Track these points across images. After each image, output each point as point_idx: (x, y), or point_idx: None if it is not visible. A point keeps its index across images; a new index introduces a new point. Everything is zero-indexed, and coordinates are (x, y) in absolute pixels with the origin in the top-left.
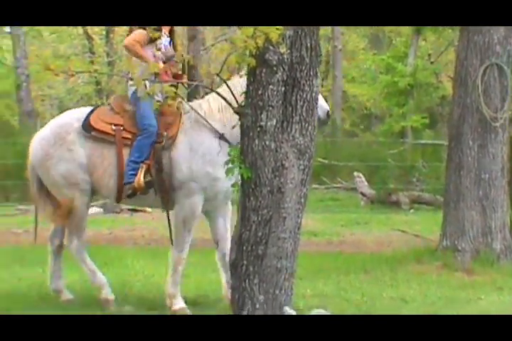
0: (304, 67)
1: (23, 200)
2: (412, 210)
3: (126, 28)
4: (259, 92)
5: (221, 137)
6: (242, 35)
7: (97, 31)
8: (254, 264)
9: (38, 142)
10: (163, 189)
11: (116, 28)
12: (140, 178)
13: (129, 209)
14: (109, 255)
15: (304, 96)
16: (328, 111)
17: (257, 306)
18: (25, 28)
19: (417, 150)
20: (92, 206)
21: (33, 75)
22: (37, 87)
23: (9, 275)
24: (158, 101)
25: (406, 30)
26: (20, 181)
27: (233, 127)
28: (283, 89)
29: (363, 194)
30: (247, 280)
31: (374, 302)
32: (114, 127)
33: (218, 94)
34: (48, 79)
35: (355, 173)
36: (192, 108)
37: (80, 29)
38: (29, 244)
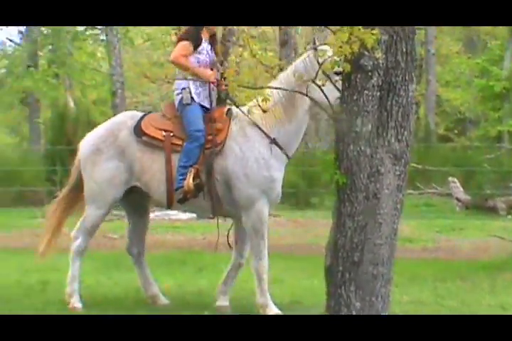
0: (399, 72)
1: (119, 206)
2: (509, 216)
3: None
4: (354, 97)
5: (273, 142)
6: (337, 40)
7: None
8: (350, 271)
9: (90, 138)
10: (213, 194)
11: None
12: (189, 181)
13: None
14: (204, 260)
15: (400, 101)
16: None
17: (354, 313)
18: (119, 36)
19: None
20: (185, 212)
21: (127, 82)
22: (131, 94)
23: (106, 279)
24: (204, 107)
25: (501, 32)
26: None
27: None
28: (378, 94)
29: (458, 199)
30: (343, 287)
31: (471, 309)
32: (164, 133)
33: (312, 99)
34: (143, 86)
35: (450, 178)
36: (245, 114)
37: (172, 37)
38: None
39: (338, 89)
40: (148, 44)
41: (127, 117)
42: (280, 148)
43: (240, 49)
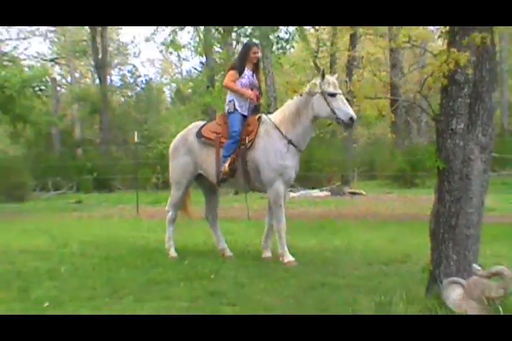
0: (484, 84)
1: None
2: None
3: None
4: (450, 104)
5: (290, 142)
6: (437, 61)
7: (323, 64)
8: (449, 232)
9: (173, 141)
10: (248, 177)
11: (338, 61)
12: (226, 166)
13: (350, 193)
14: (336, 226)
15: (485, 106)
16: (351, 117)
17: (451, 263)
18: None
19: None
20: (322, 191)
21: (278, 97)
22: (280, 105)
23: None
24: (243, 115)
25: None
26: None
27: None
28: (468, 101)
29: None
30: (443, 245)
31: None
32: (215, 135)
33: (419, 106)
34: (290, 98)
35: None
36: (270, 120)
37: (311, 62)
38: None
39: (328, 105)
40: (292, 68)
41: (194, 126)
42: (294, 145)
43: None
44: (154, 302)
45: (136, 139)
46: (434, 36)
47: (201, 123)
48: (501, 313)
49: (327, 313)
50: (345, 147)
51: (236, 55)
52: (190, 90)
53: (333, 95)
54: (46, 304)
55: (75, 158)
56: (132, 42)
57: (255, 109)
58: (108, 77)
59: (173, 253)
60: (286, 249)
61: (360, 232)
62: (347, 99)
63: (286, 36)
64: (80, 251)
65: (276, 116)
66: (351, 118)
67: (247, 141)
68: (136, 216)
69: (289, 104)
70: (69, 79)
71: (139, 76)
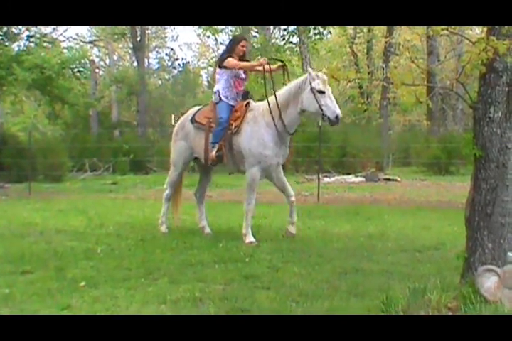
0: None
1: (309, 172)
2: None
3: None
4: (488, 92)
5: (281, 120)
6: (476, 49)
7: (360, 49)
8: (484, 220)
9: (176, 125)
10: (235, 160)
11: (375, 47)
12: (212, 154)
13: (384, 179)
14: (371, 212)
15: None
16: (337, 115)
17: (486, 251)
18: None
19: None
20: (357, 176)
21: None
22: None
23: (301, 225)
24: (230, 104)
25: None
26: (307, 158)
27: None
28: (507, 89)
29: None
30: (478, 232)
31: None
32: (207, 119)
33: (457, 93)
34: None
35: None
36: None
37: (347, 48)
38: (313, 203)
39: (317, 102)
40: (329, 54)
41: (190, 112)
42: (283, 124)
43: (397, 57)
44: (189, 284)
45: (172, 122)
46: None
47: (196, 108)
48: None
49: (361, 298)
50: (381, 133)
51: (273, 40)
52: None
53: (322, 92)
54: (82, 284)
55: (112, 140)
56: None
57: (245, 95)
58: (146, 59)
59: (164, 229)
60: (249, 230)
61: (394, 219)
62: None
63: None
64: (116, 232)
65: (265, 104)
66: (337, 117)
67: (233, 127)
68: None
69: (280, 95)
70: (107, 61)
71: (177, 59)
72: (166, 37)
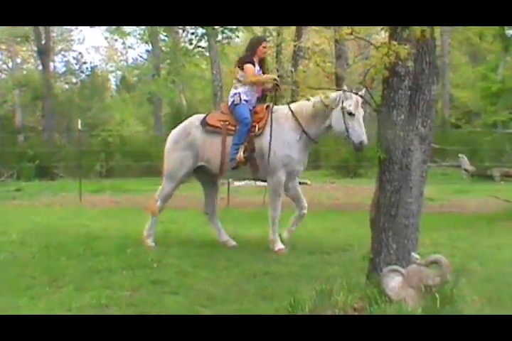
0: (424, 77)
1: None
2: (502, 182)
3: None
4: (391, 95)
5: (304, 131)
6: (378, 53)
7: (269, 53)
8: (389, 221)
9: (173, 133)
10: (254, 163)
11: (284, 51)
12: (241, 154)
13: None
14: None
15: (425, 98)
16: (361, 141)
17: (391, 252)
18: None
19: (505, 137)
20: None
21: (224, 86)
22: (227, 94)
23: (210, 229)
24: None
25: (497, 47)
26: None
27: None
28: (409, 92)
29: (465, 170)
30: (383, 233)
31: (476, 249)
32: (222, 122)
33: (361, 97)
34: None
35: (460, 155)
36: (291, 110)
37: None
38: (223, 207)
39: (344, 123)
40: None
41: (195, 118)
42: (307, 135)
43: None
44: (95, 291)
45: (79, 126)
46: (377, 29)
47: (199, 115)
48: (438, 301)
49: (269, 301)
50: None
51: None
52: (135, 78)
53: (351, 114)
54: None
55: (16, 145)
56: (76, 28)
57: (261, 100)
58: (51, 63)
59: (150, 242)
60: (277, 236)
61: (303, 221)
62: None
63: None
64: (20, 240)
65: (288, 109)
66: (361, 143)
67: (256, 129)
68: (79, 204)
69: (307, 106)
70: (10, 64)
71: (84, 63)
72: (72, 40)
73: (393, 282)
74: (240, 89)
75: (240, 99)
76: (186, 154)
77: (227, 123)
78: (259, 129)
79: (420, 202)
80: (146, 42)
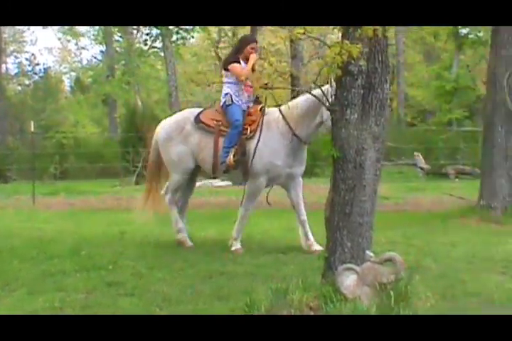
0: (377, 76)
1: None
2: (457, 179)
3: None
4: (345, 94)
5: (294, 134)
6: (331, 53)
7: (224, 53)
8: (343, 220)
9: (163, 127)
10: (245, 167)
11: None
12: (231, 158)
13: None
14: (236, 216)
15: (378, 96)
16: None
17: (346, 250)
18: (173, 52)
19: (460, 135)
20: (224, 180)
21: (179, 87)
22: (182, 95)
23: (167, 230)
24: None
25: (450, 46)
26: None
27: None
28: (362, 91)
29: (420, 168)
30: (338, 232)
31: (431, 246)
32: (215, 122)
33: (315, 96)
34: (190, 88)
35: (415, 153)
36: (281, 112)
37: (212, 52)
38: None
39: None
40: (194, 58)
41: (190, 113)
42: (300, 140)
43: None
44: (49, 294)
45: (32, 128)
46: (332, 28)
47: (196, 109)
48: (392, 298)
49: (225, 301)
50: None
51: (137, 45)
52: (89, 79)
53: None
54: None
55: None
56: (29, 29)
57: (255, 101)
58: (3, 65)
59: (184, 237)
60: (239, 236)
61: (260, 221)
62: None
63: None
64: None
65: (279, 111)
66: None
67: (248, 131)
68: (32, 207)
69: (297, 106)
70: None
71: (37, 64)
72: (24, 41)
73: (348, 280)
74: (229, 90)
75: (232, 100)
76: (183, 149)
77: (220, 123)
78: (250, 132)
79: (374, 200)
80: (100, 43)
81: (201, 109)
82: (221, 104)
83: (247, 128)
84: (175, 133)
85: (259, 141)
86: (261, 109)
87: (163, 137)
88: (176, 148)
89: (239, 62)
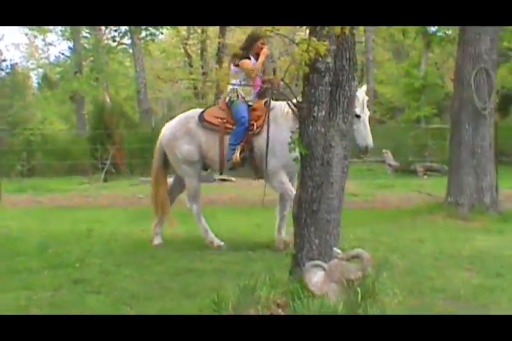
0: (344, 73)
1: (144, 174)
2: (425, 176)
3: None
4: (312, 91)
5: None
6: (299, 50)
7: (194, 50)
8: (311, 217)
9: (168, 128)
10: (254, 163)
11: (209, 48)
12: (237, 155)
13: (220, 179)
14: (205, 212)
15: (345, 94)
16: (367, 145)
17: (313, 247)
18: (141, 49)
19: (428, 132)
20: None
21: (148, 83)
22: (151, 92)
23: (135, 227)
24: (249, 101)
25: (419, 44)
26: (141, 160)
27: None
28: (329, 89)
29: (389, 165)
30: (305, 229)
31: (399, 242)
32: (219, 120)
33: (282, 93)
34: (159, 85)
35: (384, 150)
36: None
37: (181, 49)
38: (147, 205)
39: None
40: (163, 55)
41: (192, 112)
42: None
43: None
44: (14, 292)
45: None
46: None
47: (199, 110)
48: (359, 295)
49: (193, 298)
50: None
51: (105, 41)
52: (57, 76)
53: (357, 116)
54: None
55: None
56: None
57: (261, 95)
58: None
59: (218, 242)
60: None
61: (228, 218)
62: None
63: None
64: None
65: (287, 106)
66: (366, 146)
67: (255, 127)
68: None
69: None
70: None
71: (4, 60)
72: None
73: (316, 277)
74: (237, 85)
75: (238, 96)
76: (190, 148)
77: (224, 120)
78: (257, 128)
79: (341, 197)
80: (68, 39)
81: (202, 109)
82: (226, 100)
83: (253, 124)
84: (180, 133)
85: (268, 138)
86: (265, 104)
87: (168, 137)
88: (181, 148)
89: (249, 58)
